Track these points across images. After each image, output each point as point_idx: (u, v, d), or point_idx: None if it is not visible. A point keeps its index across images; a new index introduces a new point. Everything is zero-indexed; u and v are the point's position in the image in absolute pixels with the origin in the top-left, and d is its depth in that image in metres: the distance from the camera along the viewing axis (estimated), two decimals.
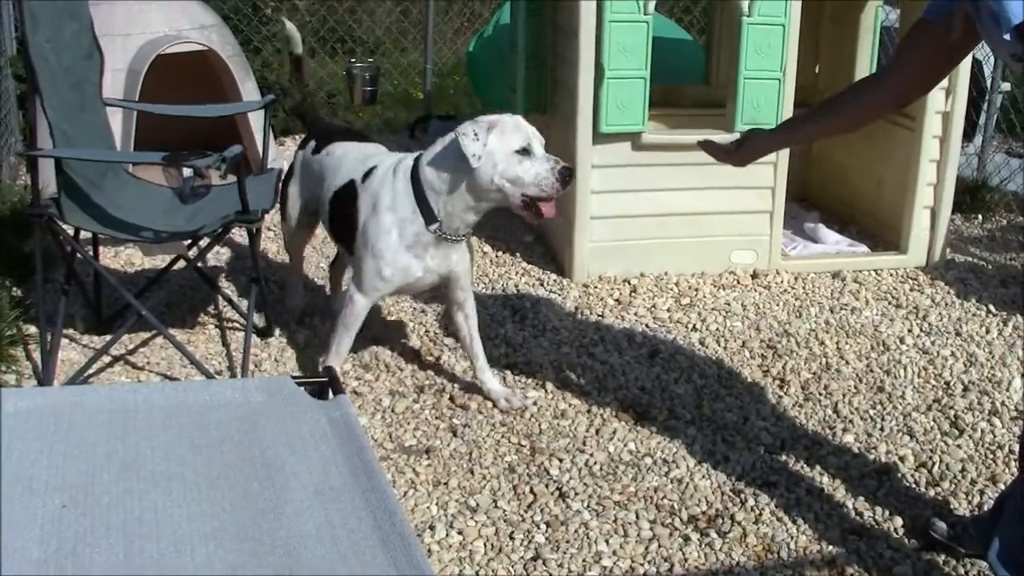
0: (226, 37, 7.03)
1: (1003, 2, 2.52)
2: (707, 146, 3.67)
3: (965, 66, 5.81)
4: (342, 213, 4.25)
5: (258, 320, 4.81)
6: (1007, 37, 2.59)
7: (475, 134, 3.76)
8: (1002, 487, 3.74)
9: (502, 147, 3.78)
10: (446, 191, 3.90)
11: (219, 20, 7.18)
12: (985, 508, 3.65)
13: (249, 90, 6.94)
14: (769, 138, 3.72)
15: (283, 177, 4.85)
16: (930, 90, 3.27)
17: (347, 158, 4.39)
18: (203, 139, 5.93)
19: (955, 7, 2.89)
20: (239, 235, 5.67)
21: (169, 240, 4.39)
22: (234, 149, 4.04)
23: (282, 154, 7.94)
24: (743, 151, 3.57)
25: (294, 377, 2.64)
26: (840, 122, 3.46)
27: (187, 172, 5.71)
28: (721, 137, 5.62)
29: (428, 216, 3.95)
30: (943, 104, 5.92)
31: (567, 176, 3.82)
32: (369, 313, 4.24)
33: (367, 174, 4.16)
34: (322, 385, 2.61)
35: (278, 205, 4.77)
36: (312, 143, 4.69)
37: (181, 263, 4.94)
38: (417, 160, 4.01)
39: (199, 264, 4.82)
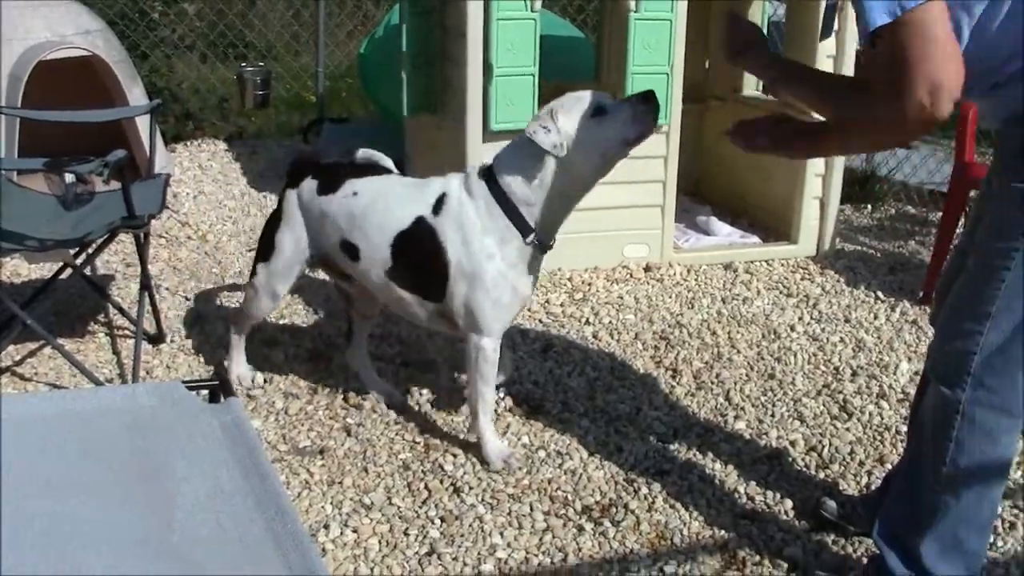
0: (112, 42, 6.94)
1: (865, 9, 2.54)
2: (733, 19, 3.31)
3: (850, 59, 5.92)
4: (417, 256, 3.82)
5: (149, 327, 4.77)
6: (862, 42, 2.66)
7: (545, 128, 3.56)
8: (889, 467, 3.83)
9: (577, 121, 3.58)
10: (543, 196, 3.66)
11: (104, 25, 7.09)
12: (873, 487, 3.73)
13: (136, 96, 6.86)
14: (769, 64, 3.30)
15: (269, 224, 4.28)
16: None
17: (389, 195, 3.95)
18: (91, 146, 5.87)
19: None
20: (129, 241, 5.62)
21: (55, 248, 4.33)
22: (117, 153, 4.00)
23: (172, 160, 7.89)
24: (745, 55, 3.25)
25: (185, 382, 2.63)
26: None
27: (69, 178, 5.63)
28: None
29: (523, 228, 3.68)
30: None
31: (649, 97, 3.60)
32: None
33: (437, 205, 3.79)
34: (213, 389, 2.61)
35: (259, 257, 4.28)
36: (311, 182, 4.11)
37: (69, 271, 4.89)
38: (488, 175, 3.73)
39: (87, 271, 4.77)
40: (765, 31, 6.48)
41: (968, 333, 2.76)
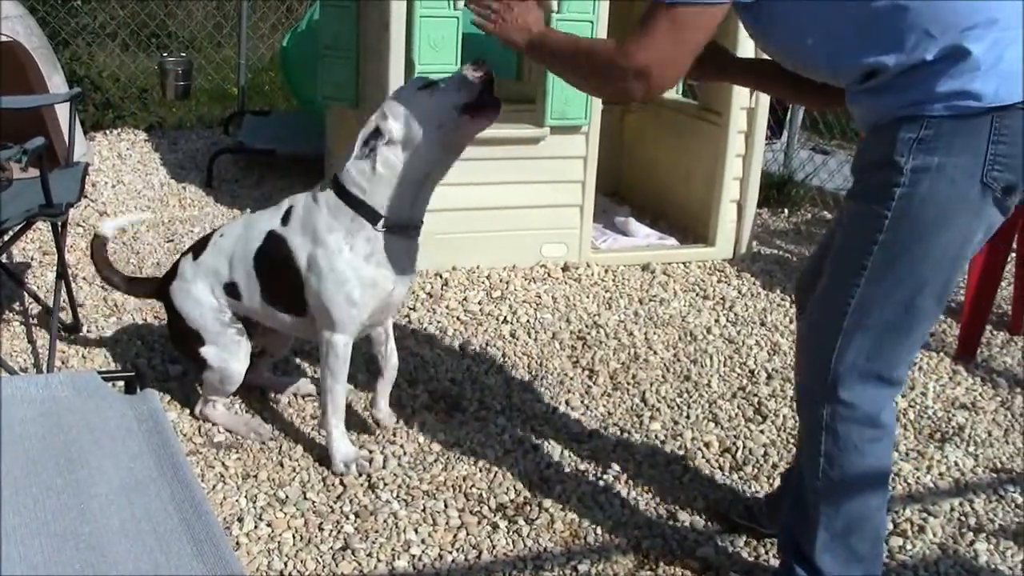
0: (32, 28, 6.85)
1: None
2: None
3: None
4: (273, 268, 3.81)
5: (65, 316, 4.73)
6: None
7: (383, 119, 3.52)
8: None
9: (408, 102, 3.53)
10: (389, 180, 3.56)
11: (25, 11, 6.99)
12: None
13: (57, 83, 6.78)
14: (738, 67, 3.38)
15: (175, 299, 4.05)
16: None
17: (248, 224, 3.97)
18: (9, 133, 5.80)
19: None
20: (45, 230, 5.57)
21: None
22: (35, 141, 3.97)
23: (91, 149, 7.82)
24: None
25: (101, 372, 2.62)
26: (808, 96, 3.33)
27: None
28: (532, 132, 5.74)
29: (371, 217, 3.61)
30: (748, 100, 6.08)
31: (479, 62, 3.52)
32: None
33: (285, 217, 3.80)
34: (129, 380, 2.60)
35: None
36: (186, 260, 4.07)
37: None
38: (335, 179, 3.69)
39: (2, 259, 4.72)
40: None
41: (823, 349, 2.79)
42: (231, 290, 3.94)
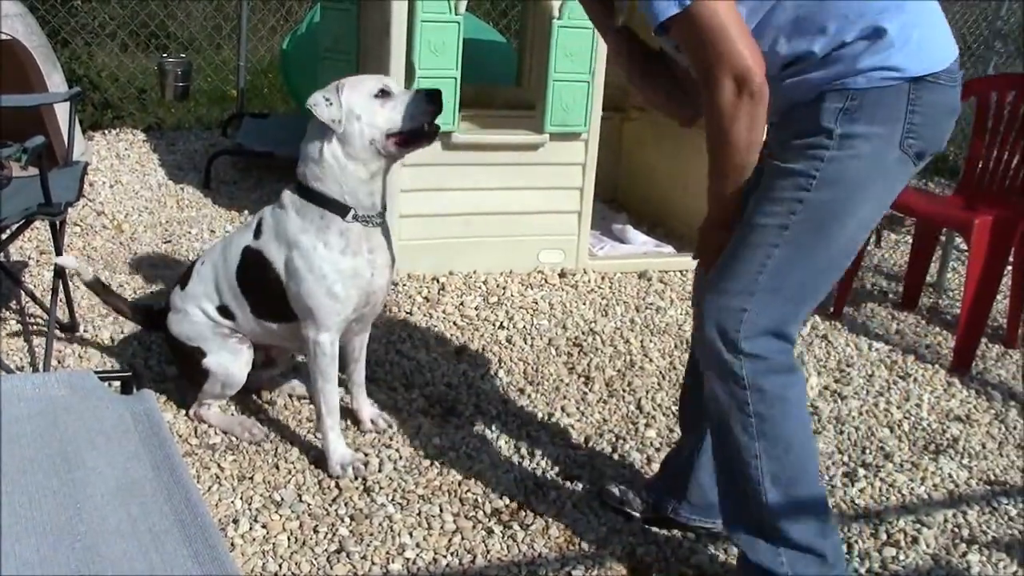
0: (31, 27, 6.85)
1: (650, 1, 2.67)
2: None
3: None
4: (259, 281, 3.80)
5: (62, 316, 4.73)
6: (656, 34, 2.77)
7: (327, 100, 3.54)
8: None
9: (359, 98, 3.55)
10: (339, 172, 3.57)
11: (24, 9, 6.99)
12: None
13: (56, 82, 6.78)
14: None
15: (172, 329, 4.06)
16: None
17: (225, 245, 3.97)
18: (8, 132, 5.79)
19: (625, 5, 3.15)
20: (43, 229, 5.57)
21: None
22: (35, 140, 3.97)
23: (90, 148, 7.82)
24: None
25: (97, 372, 2.62)
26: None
27: None
28: (531, 138, 5.74)
29: (338, 209, 3.61)
30: None
31: (435, 97, 3.57)
32: None
33: (257, 230, 3.80)
34: (126, 380, 2.60)
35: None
36: (175, 293, 4.08)
37: None
38: (295, 178, 3.69)
39: (0, 257, 4.72)
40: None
41: (733, 311, 2.86)
42: (225, 312, 3.95)
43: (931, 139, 2.76)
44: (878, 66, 2.66)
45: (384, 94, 3.57)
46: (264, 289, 3.78)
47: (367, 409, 4.17)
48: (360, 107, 3.55)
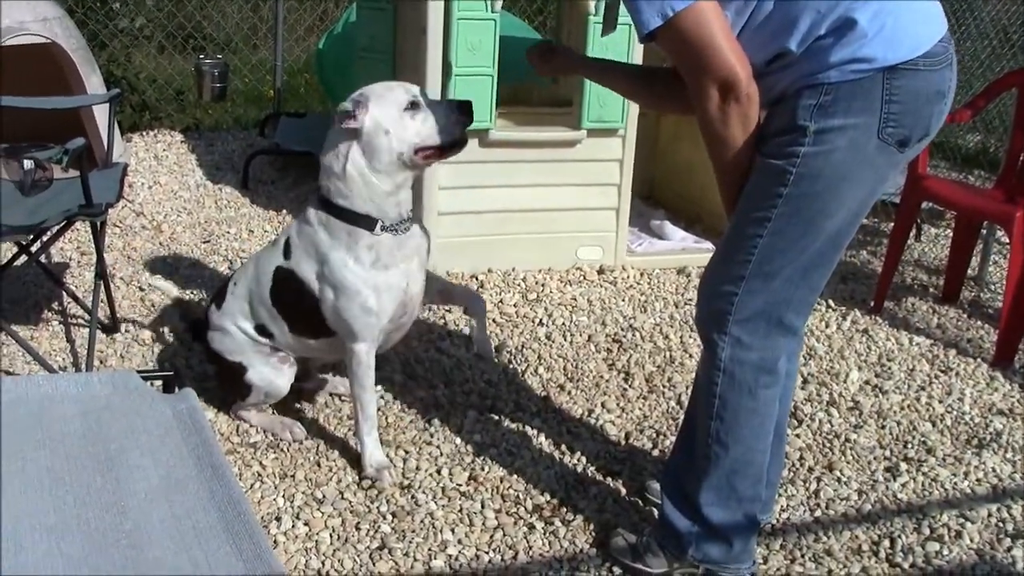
0: (70, 30, 6.89)
1: (637, 10, 2.71)
2: (528, 52, 3.70)
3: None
4: (294, 302, 3.81)
5: (103, 316, 4.75)
6: (642, 43, 2.82)
7: (351, 112, 3.48)
8: (838, 474, 3.90)
9: (389, 112, 3.49)
10: (360, 183, 3.54)
11: (63, 13, 7.03)
12: (822, 494, 3.78)
13: (95, 85, 6.82)
14: (580, 63, 3.91)
15: (213, 346, 4.09)
16: None
17: (256, 266, 3.97)
18: (47, 134, 5.83)
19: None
20: (83, 230, 5.60)
21: (10, 234, 4.29)
22: (76, 141, 3.99)
23: (129, 150, 7.86)
24: (553, 63, 3.71)
25: (139, 371, 2.63)
26: (644, 98, 3.86)
27: (28, 164, 5.59)
28: (568, 135, 5.74)
29: (366, 223, 3.59)
30: None
31: (466, 109, 3.56)
32: None
33: (286, 250, 3.80)
34: (168, 379, 2.61)
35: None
36: (212, 309, 4.11)
37: (24, 258, 4.85)
38: (319, 195, 3.69)
39: (42, 259, 4.75)
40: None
41: (724, 294, 2.95)
42: (263, 331, 3.96)
43: (913, 126, 2.77)
44: (849, 58, 2.67)
45: (414, 106, 3.52)
46: (299, 307, 3.79)
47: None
48: (389, 121, 3.50)
